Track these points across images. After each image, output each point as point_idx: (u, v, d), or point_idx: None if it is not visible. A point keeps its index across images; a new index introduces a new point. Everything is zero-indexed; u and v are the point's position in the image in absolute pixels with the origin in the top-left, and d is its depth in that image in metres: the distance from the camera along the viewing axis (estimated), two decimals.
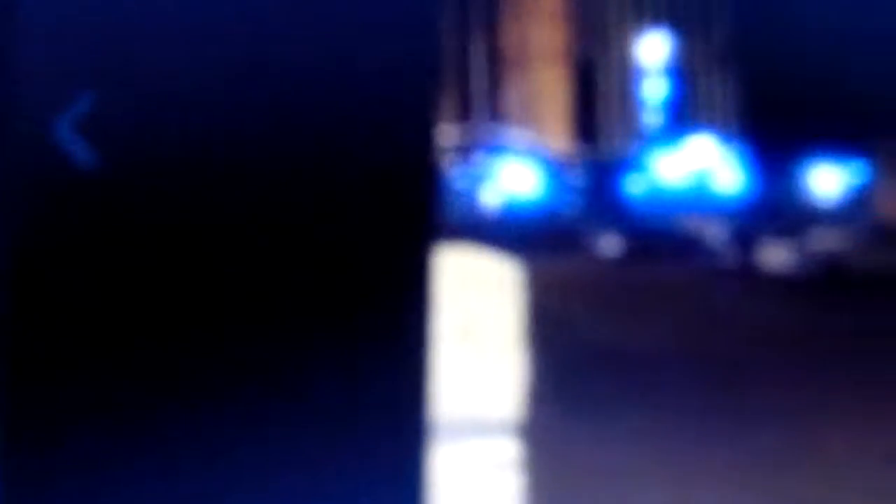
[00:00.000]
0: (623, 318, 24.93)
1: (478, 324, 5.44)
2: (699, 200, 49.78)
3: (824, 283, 32.79)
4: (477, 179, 51.89)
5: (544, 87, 64.12)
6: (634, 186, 52.04)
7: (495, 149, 55.78)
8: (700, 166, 53.72)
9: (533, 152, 55.80)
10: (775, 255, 35.39)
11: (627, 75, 64.15)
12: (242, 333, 2.26)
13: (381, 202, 2.40)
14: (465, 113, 62.92)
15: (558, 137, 62.13)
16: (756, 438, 15.36)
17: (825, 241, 36.30)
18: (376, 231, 2.37)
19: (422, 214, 2.48)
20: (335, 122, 2.39)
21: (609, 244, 40.50)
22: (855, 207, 46.43)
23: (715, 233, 39.61)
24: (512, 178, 51.83)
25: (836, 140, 48.89)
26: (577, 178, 53.26)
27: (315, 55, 2.39)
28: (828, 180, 50.21)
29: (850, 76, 49.05)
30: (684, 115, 62.44)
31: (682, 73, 63.49)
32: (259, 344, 2.25)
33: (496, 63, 64.77)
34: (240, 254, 2.24)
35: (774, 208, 45.34)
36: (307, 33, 2.37)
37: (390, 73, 2.47)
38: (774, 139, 51.53)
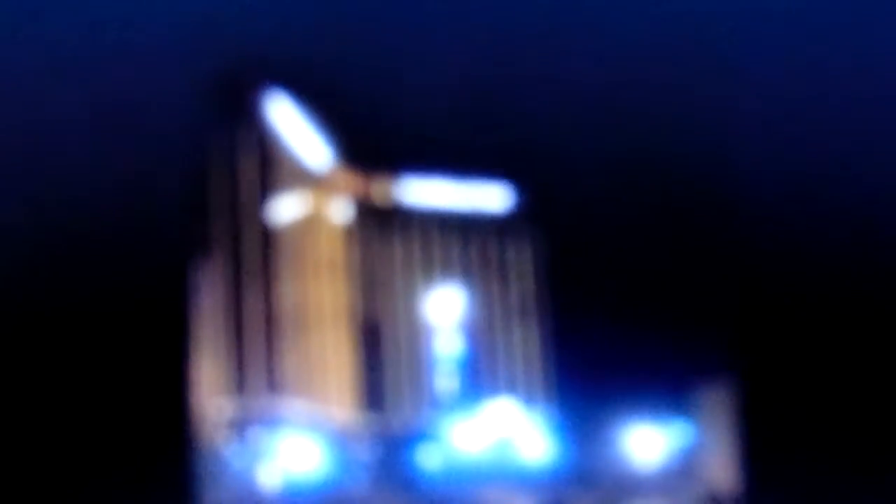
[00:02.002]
0: None
1: None
2: (502, 472, 48.86)
3: None
4: (254, 457, 51.18)
5: (326, 350, 61.12)
6: (429, 459, 51.17)
7: (273, 422, 54.94)
8: (501, 433, 52.33)
9: (315, 425, 54.78)
10: None
11: (417, 336, 61.69)
12: None
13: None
14: (239, 383, 59.34)
15: (342, 407, 59.15)
16: None
17: None
18: None
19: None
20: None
21: None
22: (680, 474, 45.17)
23: None
24: (292, 455, 50.63)
25: (655, 397, 47.16)
26: (364, 452, 52.80)
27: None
28: (648, 444, 48.40)
29: (665, 324, 47.14)
30: (481, 378, 60.46)
31: (477, 330, 61.65)
32: None
33: (273, 326, 61.31)
34: None
35: (589, 478, 44.77)
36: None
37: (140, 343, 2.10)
38: (585, 400, 49.82)
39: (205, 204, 58.52)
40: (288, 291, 61.38)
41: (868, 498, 29.22)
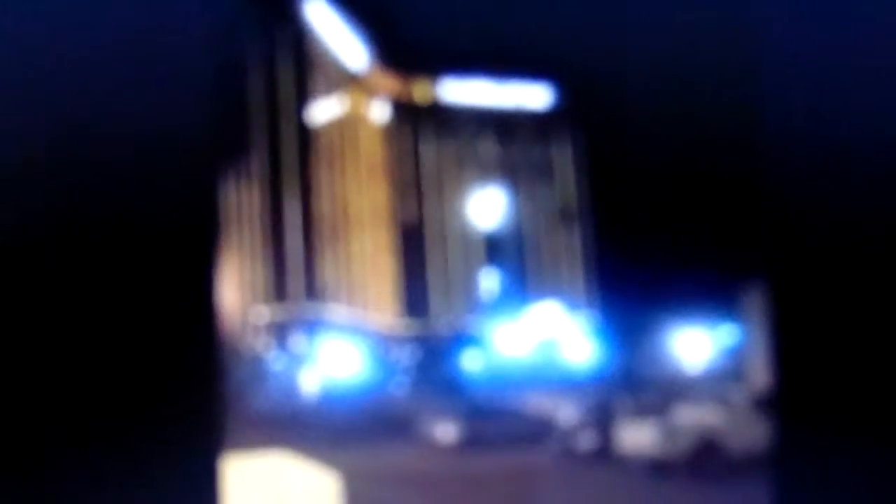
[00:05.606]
0: None
1: None
2: (546, 376, 47.67)
3: (694, 465, 29.81)
4: (295, 362, 50.93)
5: (366, 254, 60.59)
6: (471, 363, 51.37)
7: (314, 327, 54.66)
8: (545, 337, 52.49)
9: (356, 328, 54.80)
10: (637, 435, 32.09)
11: (458, 238, 61.09)
12: None
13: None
14: (279, 288, 58.83)
15: (383, 311, 58.78)
16: None
17: (694, 416, 32.90)
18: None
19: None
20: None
21: (445, 430, 37.10)
22: (728, 376, 43.46)
23: (566, 412, 36.48)
24: (333, 359, 50.45)
25: (701, 298, 46.17)
26: (405, 356, 53.18)
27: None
28: (693, 346, 47.87)
29: (711, 225, 46.45)
30: (525, 281, 59.90)
31: (521, 233, 61.08)
32: None
33: (312, 229, 60.72)
34: None
35: (634, 381, 42.96)
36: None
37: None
38: (630, 302, 49.17)
39: (243, 106, 57.99)
40: (327, 194, 60.91)
41: None
